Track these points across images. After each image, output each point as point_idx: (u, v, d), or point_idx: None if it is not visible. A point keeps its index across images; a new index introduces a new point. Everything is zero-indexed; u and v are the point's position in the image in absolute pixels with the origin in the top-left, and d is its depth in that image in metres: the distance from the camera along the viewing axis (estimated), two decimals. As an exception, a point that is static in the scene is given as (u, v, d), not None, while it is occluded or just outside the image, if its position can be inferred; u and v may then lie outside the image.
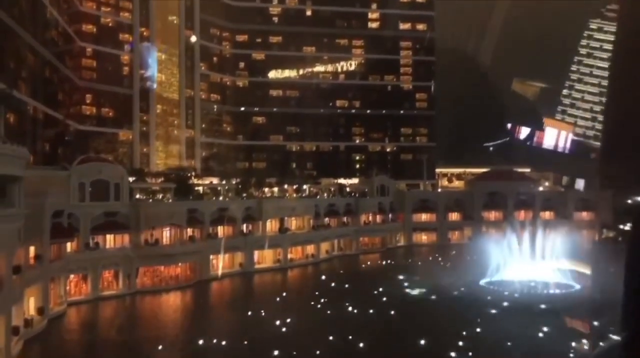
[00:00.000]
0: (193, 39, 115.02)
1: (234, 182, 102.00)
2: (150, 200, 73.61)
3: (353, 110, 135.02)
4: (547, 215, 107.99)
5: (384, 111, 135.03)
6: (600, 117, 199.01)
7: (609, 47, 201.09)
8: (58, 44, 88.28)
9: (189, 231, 68.95)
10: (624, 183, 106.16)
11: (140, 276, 62.48)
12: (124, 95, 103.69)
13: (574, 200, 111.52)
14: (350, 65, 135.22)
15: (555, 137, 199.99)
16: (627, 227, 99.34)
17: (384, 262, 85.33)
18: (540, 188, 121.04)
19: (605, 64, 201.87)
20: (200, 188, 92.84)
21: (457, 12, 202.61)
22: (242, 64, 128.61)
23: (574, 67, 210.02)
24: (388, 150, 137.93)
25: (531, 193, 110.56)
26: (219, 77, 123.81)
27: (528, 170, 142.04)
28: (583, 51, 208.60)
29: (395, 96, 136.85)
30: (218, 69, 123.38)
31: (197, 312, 55.24)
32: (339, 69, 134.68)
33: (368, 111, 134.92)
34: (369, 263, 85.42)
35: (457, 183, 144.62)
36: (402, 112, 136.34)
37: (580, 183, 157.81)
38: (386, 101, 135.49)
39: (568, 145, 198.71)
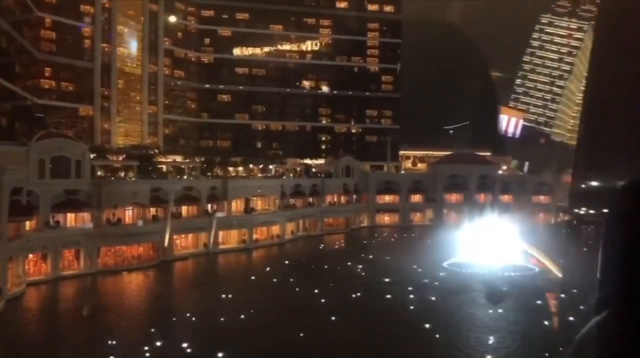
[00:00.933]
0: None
1: (198, 161, 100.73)
2: (113, 178, 72.09)
3: (319, 91, 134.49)
4: (506, 198, 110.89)
5: (350, 92, 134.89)
6: (551, 105, 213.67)
7: (558, 40, 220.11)
8: (14, 13, 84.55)
9: (153, 210, 67.93)
10: (598, 171, 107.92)
11: (102, 256, 61.42)
12: (84, 69, 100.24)
13: (532, 184, 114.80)
14: (317, 45, 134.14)
15: (505, 123, 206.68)
16: (582, 211, 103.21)
17: (348, 243, 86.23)
18: (500, 172, 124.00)
19: (555, 56, 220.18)
20: (164, 167, 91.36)
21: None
22: (207, 40, 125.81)
23: (527, 58, 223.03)
24: (353, 131, 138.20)
25: (491, 177, 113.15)
26: (184, 53, 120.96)
27: (489, 153, 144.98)
28: (535, 43, 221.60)
29: (361, 78, 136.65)
30: (183, 44, 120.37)
31: (158, 292, 54.89)
32: (306, 49, 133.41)
33: (334, 92, 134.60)
34: (334, 244, 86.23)
35: (420, 166, 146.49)
36: (367, 93, 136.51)
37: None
38: (353, 82, 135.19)
39: (518, 131, 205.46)
